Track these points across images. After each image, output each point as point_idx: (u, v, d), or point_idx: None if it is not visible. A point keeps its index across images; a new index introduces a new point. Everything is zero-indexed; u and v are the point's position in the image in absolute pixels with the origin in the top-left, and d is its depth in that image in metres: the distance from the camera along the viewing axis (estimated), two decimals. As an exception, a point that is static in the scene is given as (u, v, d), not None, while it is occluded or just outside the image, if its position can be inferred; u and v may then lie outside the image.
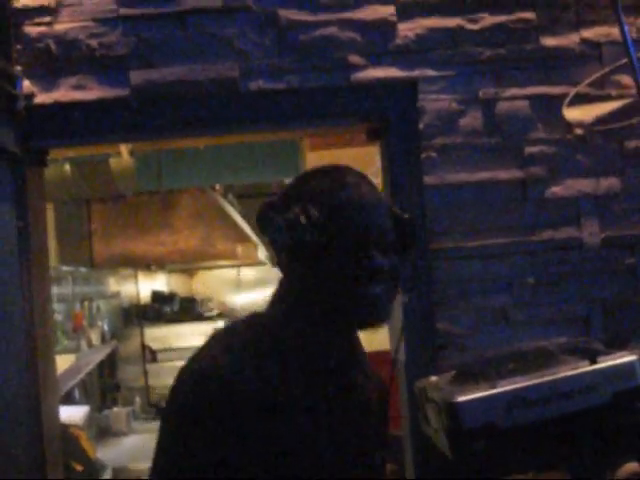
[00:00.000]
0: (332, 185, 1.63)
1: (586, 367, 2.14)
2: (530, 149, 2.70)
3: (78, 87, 2.63)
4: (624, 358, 2.17)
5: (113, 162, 5.08)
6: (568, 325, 2.66)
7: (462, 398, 2.08)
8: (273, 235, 1.62)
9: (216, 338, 1.68)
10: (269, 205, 1.64)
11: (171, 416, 1.60)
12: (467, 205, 2.66)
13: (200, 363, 1.60)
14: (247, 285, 8.42)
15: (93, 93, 2.63)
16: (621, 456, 2.30)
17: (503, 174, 2.68)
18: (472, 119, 2.69)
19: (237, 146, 4.99)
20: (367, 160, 3.16)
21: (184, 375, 1.61)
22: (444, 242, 2.64)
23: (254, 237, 6.69)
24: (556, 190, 2.70)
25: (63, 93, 2.62)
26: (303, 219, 1.57)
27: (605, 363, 2.14)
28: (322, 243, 1.57)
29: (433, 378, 2.35)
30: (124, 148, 4.76)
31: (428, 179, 2.66)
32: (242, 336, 1.65)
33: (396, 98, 2.68)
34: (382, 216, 1.65)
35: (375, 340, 3.20)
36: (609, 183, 2.73)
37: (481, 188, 2.67)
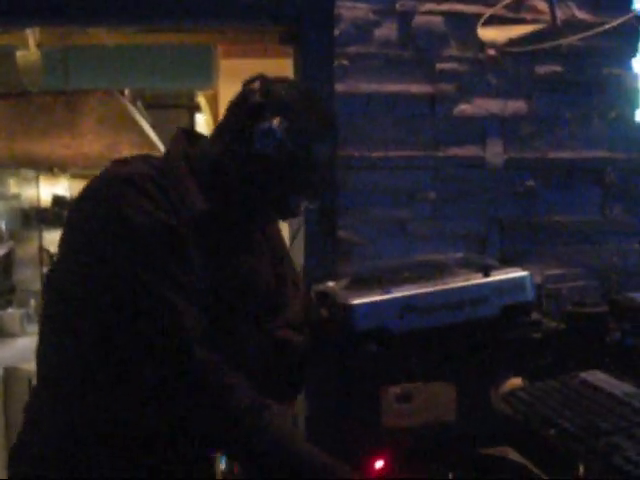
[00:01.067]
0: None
1: (478, 279, 2.18)
2: (442, 65, 2.71)
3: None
4: (516, 273, 2.23)
5: (19, 55, 4.90)
6: (466, 241, 2.71)
7: (356, 301, 2.11)
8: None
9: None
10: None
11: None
12: (376, 116, 2.67)
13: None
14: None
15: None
16: (506, 371, 2.36)
17: (414, 88, 2.69)
18: (387, 30, 2.68)
19: (148, 49, 4.87)
20: (280, 72, 3.12)
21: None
22: (350, 151, 2.64)
23: (161, 146, 6.58)
24: (464, 108, 2.72)
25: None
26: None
27: (497, 277, 2.19)
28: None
29: (330, 283, 2.37)
30: (32, 41, 4.59)
31: (339, 87, 2.64)
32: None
33: (312, 1, 2.65)
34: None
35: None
36: (516, 106, 2.77)
37: (391, 100, 2.67)
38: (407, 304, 2.12)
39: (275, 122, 1.67)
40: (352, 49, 2.66)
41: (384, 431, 2.50)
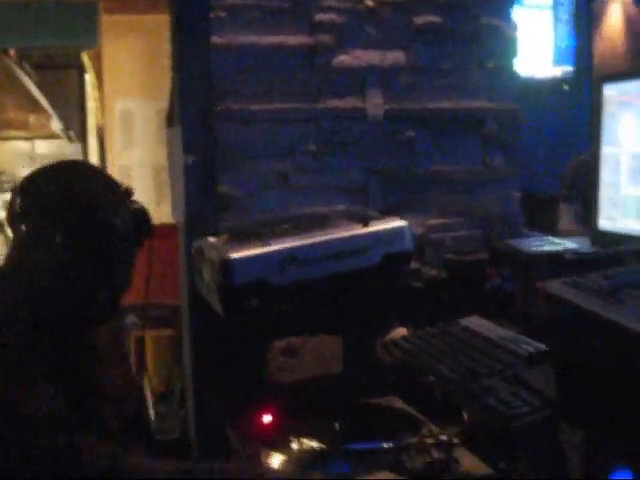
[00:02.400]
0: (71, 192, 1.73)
1: (358, 230, 2.19)
2: (320, 16, 2.68)
3: None
4: (395, 223, 2.24)
5: None
6: (347, 193, 2.70)
7: (235, 255, 2.09)
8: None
9: None
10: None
11: None
12: (254, 68, 2.62)
13: None
14: (42, 159, 8.08)
15: None
16: (390, 321, 2.37)
17: (292, 39, 2.65)
18: (264, -19, 2.63)
19: (30, 6, 4.70)
20: (161, 27, 3.06)
21: None
22: (229, 104, 2.59)
23: (49, 108, 6.41)
24: (343, 59, 2.70)
25: None
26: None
27: (376, 227, 2.20)
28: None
29: (210, 239, 2.35)
30: None
31: (216, 39, 2.59)
32: None
33: (187, -50, 2.58)
34: (119, 215, 1.77)
35: (161, 213, 3.17)
36: (395, 56, 2.75)
37: (269, 52, 2.63)
38: (287, 256, 2.11)
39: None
40: (229, 1, 2.60)
41: (271, 386, 2.50)
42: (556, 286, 1.16)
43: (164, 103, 2.89)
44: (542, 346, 1.65)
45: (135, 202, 1.86)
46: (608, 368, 1.08)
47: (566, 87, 5.98)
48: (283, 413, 2.33)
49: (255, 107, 2.62)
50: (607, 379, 1.10)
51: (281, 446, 2.14)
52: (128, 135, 4.58)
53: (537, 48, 5.83)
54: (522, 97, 2.99)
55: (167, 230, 2.81)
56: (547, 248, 2.33)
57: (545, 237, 2.68)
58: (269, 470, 2.00)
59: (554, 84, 5.95)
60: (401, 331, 2.36)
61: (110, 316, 1.91)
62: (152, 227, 1.89)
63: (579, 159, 4.18)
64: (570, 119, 5.60)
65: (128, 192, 1.86)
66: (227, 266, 2.09)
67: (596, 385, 1.15)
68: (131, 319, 3.62)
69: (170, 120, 2.77)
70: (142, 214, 1.86)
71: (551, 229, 3.26)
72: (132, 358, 3.35)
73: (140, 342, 3.35)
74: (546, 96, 5.73)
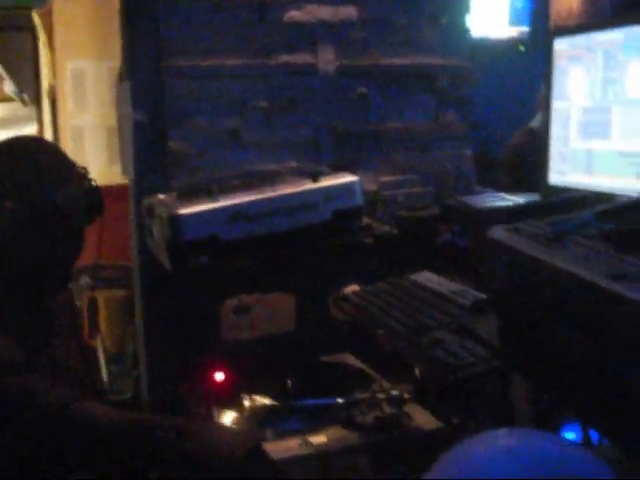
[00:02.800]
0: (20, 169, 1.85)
1: (308, 185, 2.17)
2: (271, -30, 2.64)
3: None
4: (345, 178, 2.23)
5: None
6: (299, 150, 2.67)
7: (183, 211, 2.07)
8: None
9: None
10: None
11: None
12: (203, 23, 2.58)
13: None
14: (-5, 124, 7.95)
15: None
16: (343, 277, 2.36)
17: (242, -7, 2.62)
18: None
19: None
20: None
21: None
22: (178, 60, 2.55)
23: (2, 71, 6.27)
24: (294, 14, 2.66)
25: None
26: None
27: (326, 182, 2.19)
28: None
29: (160, 196, 2.32)
30: None
31: (164, -6, 2.54)
32: None
33: None
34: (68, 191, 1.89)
35: (114, 174, 3.13)
36: (347, 12, 2.72)
37: (218, 6, 2.59)
38: (236, 212, 2.09)
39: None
40: (174, -45, 2.56)
41: (223, 344, 2.50)
42: (498, 232, 1.15)
43: (117, 62, 2.83)
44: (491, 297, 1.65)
45: (89, 181, 2.02)
46: (552, 316, 1.08)
47: (522, 48, 5.97)
48: (235, 371, 2.32)
49: (205, 63, 2.58)
50: (551, 328, 1.10)
51: (233, 404, 2.14)
52: (80, 96, 4.50)
53: (493, 8, 5.82)
54: (477, 57, 2.98)
55: (120, 191, 2.78)
56: (497, 204, 2.33)
57: (497, 194, 2.68)
58: (221, 427, 1.99)
59: (510, 45, 5.94)
60: (354, 288, 2.35)
61: (59, 287, 2.03)
62: (103, 206, 2.05)
63: (513, 144, 4.21)
64: (526, 80, 5.61)
65: (83, 171, 2.02)
66: (175, 222, 2.06)
67: (540, 334, 1.14)
68: (84, 280, 3.58)
69: (122, 79, 2.73)
70: (94, 193, 2.02)
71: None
72: (84, 319, 3.33)
73: (93, 303, 3.32)
74: (502, 57, 5.72)
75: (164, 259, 2.18)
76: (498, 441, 0.97)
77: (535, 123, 4.10)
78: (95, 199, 2.02)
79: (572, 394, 1.17)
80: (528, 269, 1.06)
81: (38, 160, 1.91)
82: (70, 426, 1.70)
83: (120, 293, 3.20)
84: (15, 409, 1.68)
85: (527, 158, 3.72)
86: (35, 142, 2.16)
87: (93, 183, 2.03)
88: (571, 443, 1.15)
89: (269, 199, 2.12)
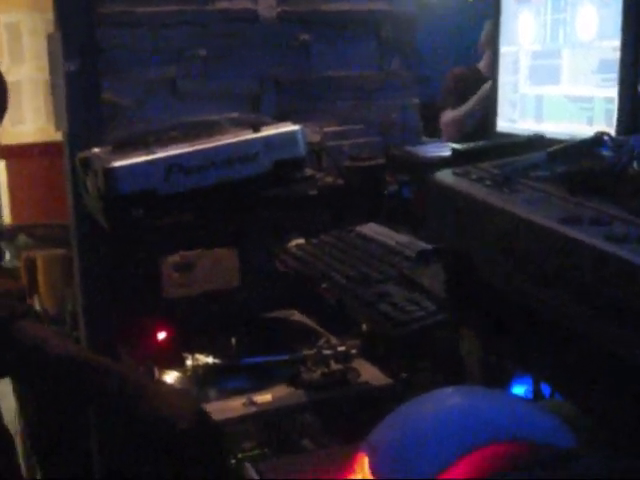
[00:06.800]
0: None
1: (247, 135, 2.09)
2: None
3: None
4: (286, 128, 2.15)
5: None
6: (239, 100, 2.58)
7: (118, 164, 1.99)
8: None
9: None
10: None
11: None
12: (136, -32, 2.47)
13: None
14: None
15: None
16: (288, 231, 2.30)
17: (177, -64, 2.51)
18: None
19: None
20: None
21: None
22: (112, 7, 2.44)
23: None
24: (211, -39, 2.56)
25: None
26: None
27: (266, 132, 2.11)
28: None
29: (95, 149, 2.24)
30: None
31: (94, -63, 2.42)
32: None
33: None
34: None
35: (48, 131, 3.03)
36: (289, -43, 2.63)
37: (153, -50, 2.48)
38: (173, 164, 2.01)
39: None
40: None
41: (165, 302, 2.43)
42: (445, 176, 1.09)
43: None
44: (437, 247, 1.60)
45: None
46: (504, 265, 1.02)
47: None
48: (178, 329, 2.27)
49: (139, 10, 2.47)
50: (503, 277, 1.04)
51: (176, 363, 2.08)
52: (16, 50, 4.36)
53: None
54: (423, 7, 2.91)
55: (59, 147, 2.68)
56: (445, 153, 2.27)
57: (444, 144, 2.63)
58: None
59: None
60: (298, 241, 2.29)
61: None
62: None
63: (460, 68, 4.16)
64: (476, 29, 5.55)
65: None
66: (110, 175, 1.98)
67: (491, 284, 1.08)
68: (22, 239, 3.49)
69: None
70: None
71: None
72: (24, 279, 3.24)
73: (31, 263, 3.23)
74: (448, 6, 5.66)
75: (100, 215, 2.10)
76: (444, 401, 0.91)
77: (481, 65, 4.05)
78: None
79: (523, 348, 1.12)
80: (477, 215, 1.00)
81: None
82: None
83: (59, 252, 3.11)
84: None
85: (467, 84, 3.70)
86: None
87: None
88: (519, 400, 1.10)
89: (207, 150, 2.03)
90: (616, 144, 1.01)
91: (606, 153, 0.98)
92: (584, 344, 0.92)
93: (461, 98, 3.84)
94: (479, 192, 1.00)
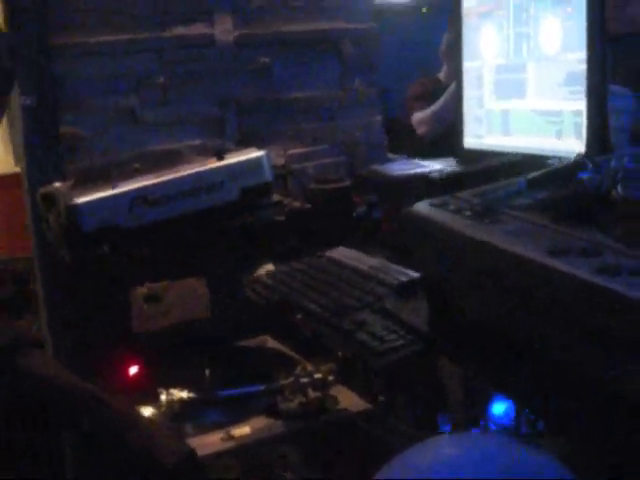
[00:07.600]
0: None
1: (212, 164, 2.05)
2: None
3: None
4: (251, 154, 2.11)
5: None
6: (201, 126, 2.55)
7: (81, 200, 1.93)
8: None
9: None
10: None
11: None
12: (89, -3, 2.43)
13: None
14: None
15: None
16: (257, 258, 2.27)
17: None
18: None
19: None
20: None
21: None
22: (65, 38, 2.39)
23: None
24: (186, -16, 2.53)
25: None
26: None
27: (231, 159, 2.07)
28: None
29: (56, 184, 2.18)
30: None
31: (46, -35, 2.38)
32: None
33: None
34: None
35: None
36: (243, -22, 2.60)
37: (106, -22, 2.44)
38: (137, 197, 1.96)
39: None
40: None
41: (135, 336, 2.38)
42: (423, 208, 1.05)
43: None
44: (414, 274, 1.56)
45: None
46: (485, 296, 0.98)
47: (425, 10, 5.90)
48: (150, 364, 2.22)
49: (94, 39, 2.43)
50: (481, 305, 1.01)
51: (149, 398, 2.03)
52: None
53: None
54: (380, 22, 2.89)
55: (18, 179, 2.63)
56: (413, 171, 2.24)
57: (412, 160, 2.60)
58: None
59: (413, 7, 5.86)
60: (268, 267, 2.26)
61: None
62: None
63: (423, 78, 4.14)
64: (433, 42, 5.55)
65: None
66: (73, 212, 1.92)
67: (469, 312, 1.05)
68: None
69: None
70: None
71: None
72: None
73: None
74: (405, 21, 5.64)
75: (63, 250, 2.04)
76: (439, 450, 0.88)
77: (441, 75, 4.03)
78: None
79: (508, 378, 1.09)
80: (458, 248, 0.96)
81: None
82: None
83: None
84: None
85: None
86: None
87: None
88: (515, 444, 1.06)
89: (171, 181, 1.98)
90: (596, 166, 0.98)
91: (587, 177, 0.95)
92: (570, 374, 0.90)
93: (428, 104, 3.82)
94: (459, 224, 0.96)
